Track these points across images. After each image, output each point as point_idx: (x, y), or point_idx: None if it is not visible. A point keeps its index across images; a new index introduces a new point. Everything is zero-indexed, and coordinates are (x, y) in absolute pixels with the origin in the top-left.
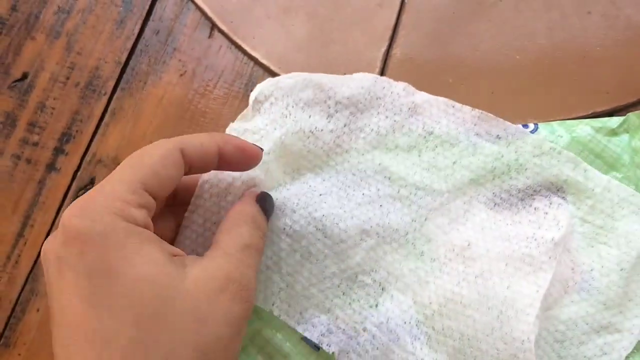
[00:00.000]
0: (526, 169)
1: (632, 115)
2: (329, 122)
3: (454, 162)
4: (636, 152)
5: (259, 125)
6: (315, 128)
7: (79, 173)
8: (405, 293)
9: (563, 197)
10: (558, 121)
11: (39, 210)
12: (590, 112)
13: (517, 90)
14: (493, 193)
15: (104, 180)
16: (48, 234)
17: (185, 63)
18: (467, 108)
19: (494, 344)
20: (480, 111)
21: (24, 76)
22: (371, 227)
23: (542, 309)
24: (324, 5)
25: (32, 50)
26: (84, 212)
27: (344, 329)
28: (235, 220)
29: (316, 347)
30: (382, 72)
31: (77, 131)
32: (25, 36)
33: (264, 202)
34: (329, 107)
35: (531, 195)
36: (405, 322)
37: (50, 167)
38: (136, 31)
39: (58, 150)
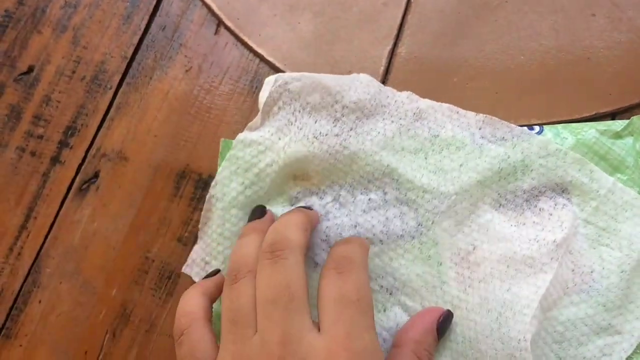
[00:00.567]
0: (532, 170)
1: (636, 119)
2: (335, 126)
3: (461, 165)
4: None
5: (265, 134)
6: (320, 133)
7: (83, 166)
8: (413, 298)
9: (568, 199)
10: (563, 124)
11: (42, 202)
12: (593, 113)
13: (521, 90)
14: (498, 194)
15: None
16: (51, 227)
17: (191, 59)
18: (471, 113)
19: (492, 345)
20: (485, 115)
21: (30, 69)
22: (374, 234)
23: (541, 309)
24: (330, 4)
25: (39, 44)
26: None
27: None
28: (411, 358)
29: None
30: (387, 71)
31: (82, 125)
32: (31, 30)
33: (443, 327)
34: (336, 112)
35: (536, 196)
36: None
37: (55, 160)
38: (143, 26)
39: (63, 144)
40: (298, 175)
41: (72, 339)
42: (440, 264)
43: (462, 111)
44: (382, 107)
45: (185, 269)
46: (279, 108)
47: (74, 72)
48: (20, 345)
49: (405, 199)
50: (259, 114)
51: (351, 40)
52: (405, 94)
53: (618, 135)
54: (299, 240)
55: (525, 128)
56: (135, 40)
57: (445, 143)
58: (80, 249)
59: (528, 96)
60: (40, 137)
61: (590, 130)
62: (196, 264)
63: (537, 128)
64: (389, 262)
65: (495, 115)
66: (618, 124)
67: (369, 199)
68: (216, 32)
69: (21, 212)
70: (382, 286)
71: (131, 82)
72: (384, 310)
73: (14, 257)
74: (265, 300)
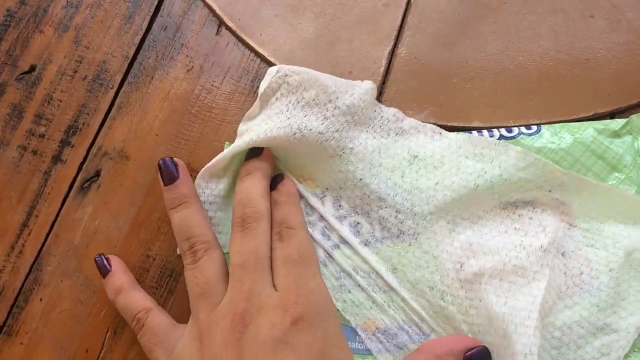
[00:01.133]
0: (511, 183)
1: (635, 117)
2: (322, 124)
3: (437, 183)
4: (639, 153)
5: (256, 121)
6: (305, 127)
7: (84, 165)
8: (420, 327)
9: (546, 203)
10: (560, 123)
11: (44, 201)
12: (592, 113)
13: (520, 91)
14: (476, 207)
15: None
16: (52, 225)
17: (192, 59)
18: (452, 134)
19: None
20: (465, 134)
21: (32, 69)
22: (348, 241)
23: (540, 318)
24: (331, 5)
25: (41, 44)
26: (313, 306)
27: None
28: None
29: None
30: (387, 71)
31: (83, 124)
32: (33, 29)
33: (472, 357)
34: (327, 110)
35: (513, 203)
36: None
37: (56, 158)
38: (144, 26)
39: (64, 142)
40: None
41: (73, 336)
42: (432, 289)
43: (444, 132)
44: (369, 120)
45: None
46: (277, 99)
47: (75, 71)
48: (22, 343)
49: (377, 216)
50: (257, 101)
51: (352, 40)
52: (392, 111)
53: (616, 134)
54: (263, 208)
55: (503, 141)
56: (137, 40)
57: (423, 163)
58: (81, 247)
59: (527, 96)
60: (42, 135)
61: (588, 129)
62: None
63: (534, 128)
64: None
65: (494, 116)
66: (616, 123)
67: (339, 205)
68: (217, 33)
69: (23, 210)
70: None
71: (133, 81)
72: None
73: (16, 255)
74: (235, 265)
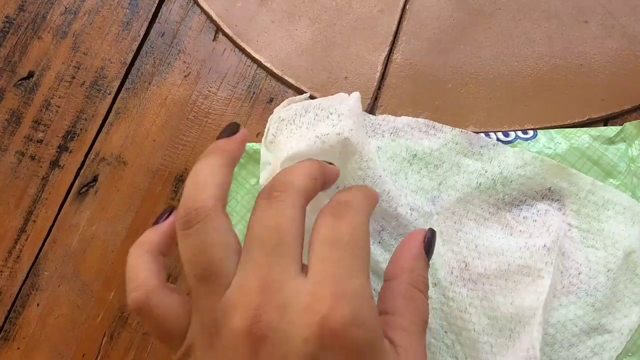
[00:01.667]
0: (511, 182)
1: (629, 125)
2: (335, 128)
3: (440, 184)
4: (633, 160)
5: (268, 158)
6: (322, 133)
7: (82, 170)
8: None
9: (549, 204)
10: (556, 129)
11: (41, 206)
12: (585, 118)
13: (515, 96)
14: (481, 208)
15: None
16: (50, 230)
17: (189, 65)
18: (447, 128)
19: (505, 359)
20: (460, 130)
21: (30, 75)
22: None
23: (542, 314)
24: (327, 11)
25: (39, 50)
26: (357, 316)
27: None
28: (408, 289)
29: None
30: (382, 77)
31: (81, 129)
32: (32, 36)
33: (430, 249)
34: (333, 120)
35: (518, 205)
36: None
37: (54, 164)
38: (142, 33)
39: (62, 148)
40: None
41: (70, 341)
42: (435, 285)
43: (438, 125)
44: (362, 128)
45: None
46: (274, 136)
47: (73, 77)
48: (18, 348)
49: (396, 213)
50: (262, 151)
51: (347, 46)
52: (381, 117)
53: (611, 141)
54: (301, 184)
55: (488, 136)
56: (135, 47)
57: (424, 162)
58: (78, 252)
59: (521, 102)
60: (40, 141)
61: (583, 136)
62: None
63: (530, 133)
64: None
65: (489, 121)
66: (611, 130)
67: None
68: (214, 39)
69: (20, 216)
70: None
71: (130, 87)
72: None
73: (13, 260)
74: (251, 239)
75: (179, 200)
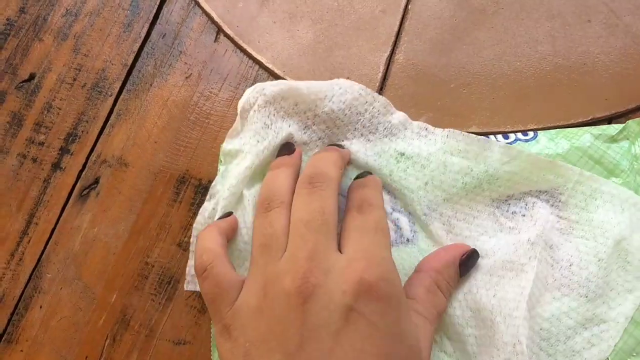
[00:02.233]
0: (497, 178)
1: (631, 123)
2: (304, 133)
3: (426, 183)
4: (636, 158)
5: (245, 139)
6: (292, 138)
7: (83, 173)
8: None
9: (537, 197)
10: (557, 129)
11: (43, 208)
12: (589, 118)
13: (518, 96)
14: (469, 207)
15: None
16: (52, 232)
17: (190, 66)
18: (438, 130)
19: (489, 353)
20: (449, 130)
21: (32, 77)
22: None
23: (527, 309)
24: (328, 11)
25: (40, 52)
26: (385, 275)
27: None
28: (431, 284)
29: None
30: (384, 77)
31: (82, 131)
32: (33, 38)
33: (466, 265)
34: (307, 119)
35: (506, 200)
36: None
37: (56, 166)
38: (143, 34)
39: (63, 150)
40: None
41: (73, 344)
42: None
43: (430, 128)
44: (357, 116)
45: (187, 287)
46: (255, 111)
47: (74, 79)
48: (22, 350)
49: None
50: (237, 118)
51: (349, 47)
52: (383, 100)
53: (613, 139)
54: (334, 175)
55: (488, 137)
56: (136, 48)
57: (411, 161)
58: (80, 255)
59: (524, 101)
60: (42, 143)
61: (585, 135)
62: (195, 279)
63: (531, 134)
64: None
65: (492, 121)
66: (613, 128)
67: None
68: (216, 40)
69: (22, 218)
70: None
71: (131, 89)
72: None
73: (16, 262)
74: (299, 221)
75: (180, 202)
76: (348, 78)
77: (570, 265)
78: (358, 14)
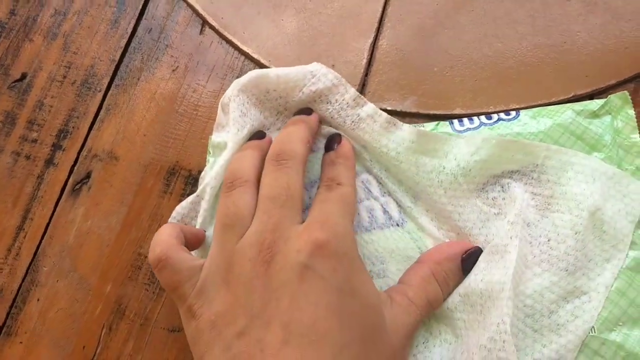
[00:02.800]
0: (470, 170)
1: (613, 97)
2: (277, 119)
3: (400, 181)
4: (618, 132)
5: (230, 130)
6: (264, 127)
7: (75, 168)
8: None
9: (510, 177)
10: (539, 107)
11: (38, 204)
12: (571, 95)
13: (499, 76)
14: (452, 205)
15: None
16: (47, 227)
17: (177, 59)
18: (406, 126)
19: (476, 334)
20: (417, 128)
21: (23, 76)
22: None
23: (512, 289)
24: (312, 0)
25: (31, 52)
26: (338, 235)
27: None
28: (427, 274)
29: None
30: (369, 63)
31: (73, 127)
32: (23, 38)
33: (468, 262)
34: (279, 105)
35: (483, 188)
36: None
37: (49, 162)
38: (130, 30)
39: (56, 146)
40: None
41: (71, 334)
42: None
43: (399, 123)
44: (327, 105)
45: None
46: (230, 100)
47: (65, 77)
48: (21, 342)
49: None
50: (218, 112)
51: (333, 34)
52: (353, 92)
53: (595, 115)
54: (301, 152)
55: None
56: (123, 44)
57: (381, 160)
58: (75, 248)
59: (506, 82)
60: (35, 141)
61: (567, 112)
62: None
63: (513, 113)
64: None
65: (475, 102)
66: (595, 104)
67: (309, 198)
68: (201, 32)
69: (18, 214)
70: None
71: (120, 84)
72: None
73: (13, 257)
74: (266, 197)
75: (171, 193)
76: (333, 65)
77: (548, 240)
78: (341, 1)
